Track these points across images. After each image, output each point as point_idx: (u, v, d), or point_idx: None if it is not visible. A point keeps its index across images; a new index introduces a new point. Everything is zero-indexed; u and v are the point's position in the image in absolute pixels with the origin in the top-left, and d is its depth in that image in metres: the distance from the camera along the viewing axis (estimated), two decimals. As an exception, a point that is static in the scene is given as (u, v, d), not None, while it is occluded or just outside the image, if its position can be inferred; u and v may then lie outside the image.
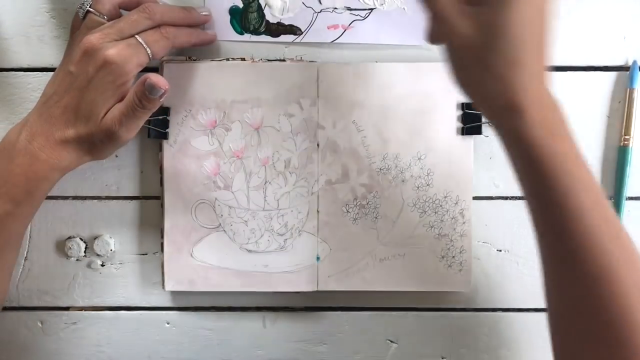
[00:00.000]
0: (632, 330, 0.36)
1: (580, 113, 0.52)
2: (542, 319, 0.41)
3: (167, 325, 0.54)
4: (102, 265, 0.53)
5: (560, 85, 0.51)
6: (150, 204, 0.52)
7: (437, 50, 0.50)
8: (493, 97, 0.37)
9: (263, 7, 0.50)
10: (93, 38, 0.43)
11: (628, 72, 0.51)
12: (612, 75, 0.51)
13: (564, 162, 0.37)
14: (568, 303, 0.39)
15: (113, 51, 0.43)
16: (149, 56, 0.44)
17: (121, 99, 0.44)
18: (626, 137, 0.51)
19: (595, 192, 0.38)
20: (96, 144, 0.45)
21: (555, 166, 0.36)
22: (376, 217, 0.51)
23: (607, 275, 0.37)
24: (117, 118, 0.44)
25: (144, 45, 0.44)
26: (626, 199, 0.52)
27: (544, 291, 0.40)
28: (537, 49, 0.36)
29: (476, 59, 0.36)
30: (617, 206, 0.52)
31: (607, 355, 0.37)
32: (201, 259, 0.51)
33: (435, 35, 0.39)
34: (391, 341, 0.54)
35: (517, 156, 0.38)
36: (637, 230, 0.53)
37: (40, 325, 0.54)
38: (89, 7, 0.45)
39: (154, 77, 0.43)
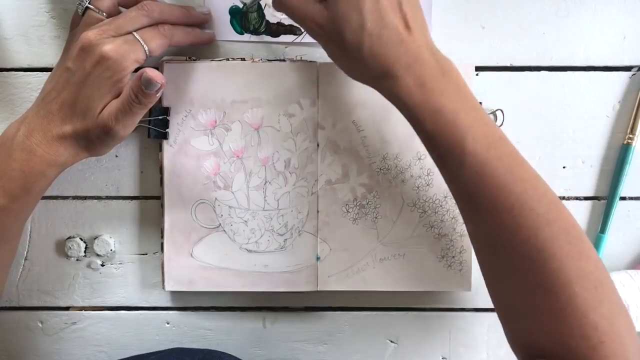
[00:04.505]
0: (545, 259, 0.38)
1: (580, 113, 0.52)
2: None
3: (167, 325, 0.54)
4: (102, 265, 0.53)
5: (560, 86, 0.52)
6: (150, 204, 0.52)
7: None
8: (363, 72, 0.42)
9: (263, 7, 0.50)
10: (90, 34, 0.43)
11: (631, 73, 0.51)
12: (612, 75, 0.51)
13: (435, 108, 0.40)
14: (482, 239, 0.42)
15: (110, 47, 0.43)
16: (146, 53, 0.44)
17: (118, 95, 0.44)
18: (630, 135, 0.51)
19: (472, 125, 0.40)
20: (93, 140, 0.45)
21: (427, 114, 0.40)
22: (376, 217, 0.51)
23: (508, 207, 0.39)
24: (114, 114, 0.44)
25: (141, 42, 0.44)
26: (627, 199, 0.52)
27: (469, 236, 0.44)
28: (380, 18, 0.40)
29: (338, 46, 0.41)
30: (610, 203, 0.52)
31: (524, 283, 0.40)
32: (201, 259, 0.51)
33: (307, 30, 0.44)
34: (391, 341, 0.54)
35: (402, 111, 0.42)
36: (639, 230, 0.53)
37: (40, 325, 0.54)
38: (88, 3, 0.45)
39: (150, 72, 0.43)
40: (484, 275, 0.43)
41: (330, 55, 0.43)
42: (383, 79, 0.41)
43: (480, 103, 0.46)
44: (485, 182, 0.39)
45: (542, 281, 0.39)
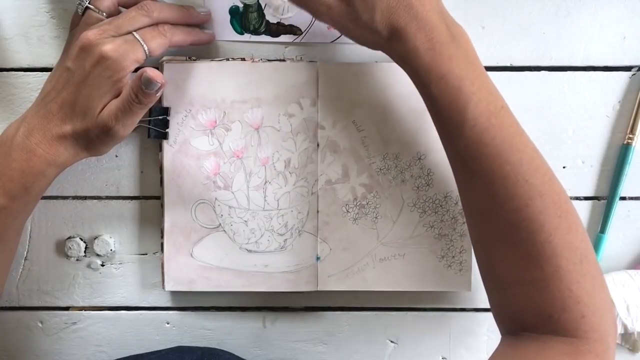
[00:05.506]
0: (534, 231, 0.39)
1: (580, 113, 0.52)
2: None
3: (167, 325, 0.54)
4: (102, 265, 0.53)
5: (560, 86, 0.52)
6: (150, 204, 0.52)
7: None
8: (375, 39, 0.42)
9: (263, 7, 0.50)
10: (90, 34, 0.43)
11: (631, 73, 0.51)
12: (612, 75, 0.51)
13: (442, 73, 0.40)
14: (474, 207, 0.43)
15: (109, 47, 0.43)
16: (145, 53, 0.44)
17: (118, 95, 0.44)
18: (630, 135, 0.51)
19: (475, 93, 0.40)
20: (93, 139, 0.45)
21: (434, 78, 0.40)
22: (376, 217, 0.51)
23: (503, 176, 0.40)
24: (114, 113, 0.44)
25: (141, 41, 0.44)
26: (627, 199, 0.52)
27: (462, 203, 0.44)
28: None
29: (351, 19, 0.41)
30: (610, 203, 0.52)
31: (511, 253, 0.40)
32: (201, 259, 0.51)
33: (313, 14, 0.43)
34: (391, 341, 0.54)
35: (410, 74, 0.42)
36: (639, 230, 0.53)
37: (40, 325, 0.54)
38: (88, 3, 0.45)
39: (150, 71, 0.43)
40: (473, 243, 0.44)
41: (341, 30, 0.44)
42: (393, 42, 0.41)
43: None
44: (482, 150, 0.40)
45: (529, 252, 0.39)
